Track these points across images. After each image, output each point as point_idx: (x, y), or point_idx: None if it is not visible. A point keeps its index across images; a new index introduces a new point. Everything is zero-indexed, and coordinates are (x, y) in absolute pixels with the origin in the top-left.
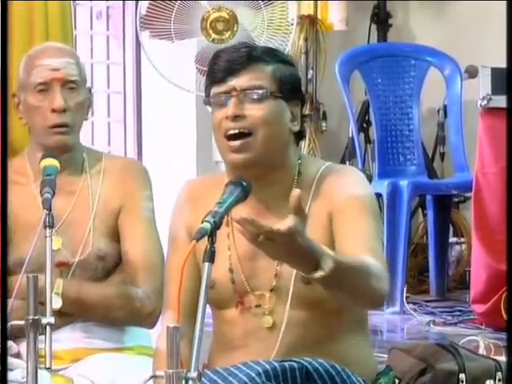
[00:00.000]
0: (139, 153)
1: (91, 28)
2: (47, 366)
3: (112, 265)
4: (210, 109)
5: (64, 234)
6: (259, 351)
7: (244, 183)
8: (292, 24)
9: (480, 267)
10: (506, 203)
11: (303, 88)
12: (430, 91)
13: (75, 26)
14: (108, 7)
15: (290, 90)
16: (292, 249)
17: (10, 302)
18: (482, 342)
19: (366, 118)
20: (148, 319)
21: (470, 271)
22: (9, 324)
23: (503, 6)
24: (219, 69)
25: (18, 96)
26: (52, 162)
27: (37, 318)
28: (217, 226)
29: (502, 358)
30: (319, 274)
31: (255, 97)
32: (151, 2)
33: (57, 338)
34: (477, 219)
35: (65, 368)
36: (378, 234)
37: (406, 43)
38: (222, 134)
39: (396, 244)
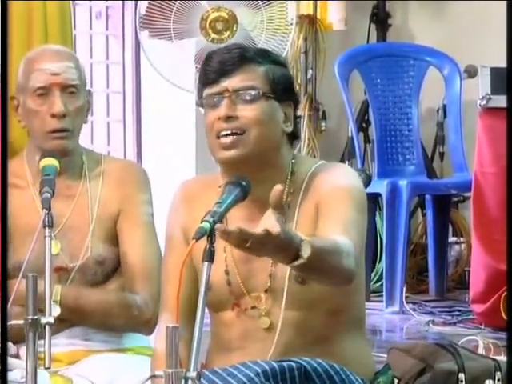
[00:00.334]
0: (138, 152)
1: (91, 28)
2: (46, 365)
3: (111, 269)
4: (202, 110)
5: (63, 238)
6: (257, 352)
7: (243, 183)
8: (291, 24)
9: (479, 267)
10: (505, 203)
11: (302, 88)
12: (429, 91)
13: (75, 26)
14: (107, 7)
15: (283, 90)
16: (274, 244)
17: (9, 305)
18: (482, 342)
19: (366, 117)
20: (146, 326)
21: (469, 271)
22: (9, 323)
23: (502, 6)
24: (211, 70)
25: (17, 99)
26: (51, 161)
27: (36, 317)
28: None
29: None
30: (299, 262)
31: (247, 97)
32: (150, 1)
33: (55, 342)
34: (476, 219)
35: (63, 369)
36: (356, 222)
37: (405, 43)
38: (214, 135)
39: (395, 244)
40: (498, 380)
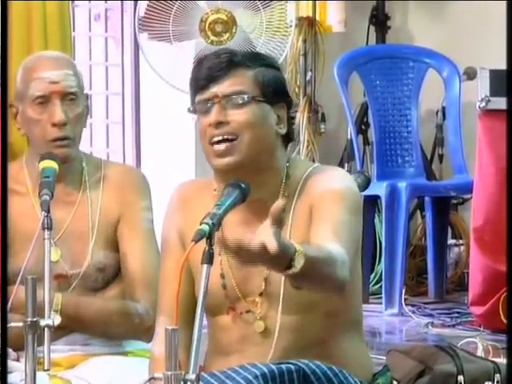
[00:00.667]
0: (137, 154)
1: (90, 30)
2: (46, 367)
3: (111, 275)
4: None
5: (63, 245)
6: (255, 356)
7: (242, 185)
8: (290, 26)
9: (478, 269)
10: (506, 203)
11: (302, 90)
12: (428, 93)
13: (74, 28)
14: (106, 9)
15: (274, 93)
16: (269, 256)
17: (9, 307)
18: (481, 344)
19: (365, 119)
20: (147, 334)
21: (468, 273)
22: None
23: (501, 7)
24: (201, 76)
25: (16, 107)
26: (50, 164)
27: (35, 319)
28: (215, 227)
29: (501, 360)
30: (292, 271)
31: (237, 102)
32: (149, 3)
33: (54, 348)
34: (475, 221)
35: (63, 373)
36: (349, 225)
37: (404, 45)
38: (207, 142)
39: (394, 246)
40: (497, 382)
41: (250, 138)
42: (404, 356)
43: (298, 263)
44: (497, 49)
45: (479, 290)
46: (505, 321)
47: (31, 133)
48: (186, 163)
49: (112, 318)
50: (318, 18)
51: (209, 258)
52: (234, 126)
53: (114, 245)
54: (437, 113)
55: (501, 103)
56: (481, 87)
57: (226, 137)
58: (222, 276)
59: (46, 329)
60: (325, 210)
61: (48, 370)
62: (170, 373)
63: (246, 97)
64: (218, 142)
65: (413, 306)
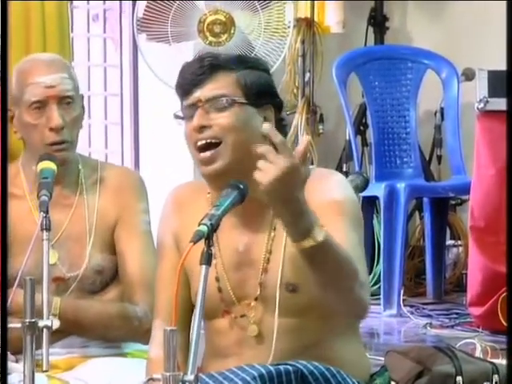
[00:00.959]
0: (136, 155)
1: (88, 30)
2: (44, 368)
3: (109, 278)
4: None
5: (60, 248)
6: (251, 359)
7: (241, 186)
8: (289, 27)
9: (476, 269)
10: (506, 204)
11: (300, 91)
12: (426, 94)
13: (72, 29)
14: (105, 10)
15: (259, 95)
16: (292, 196)
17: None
18: (479, 345)
19: (363, 120)
20: (145, 336)
21: (466, 274)
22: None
23: (500, 8)
24: (185, 82)
25: (12, 111)
26: (48, 164)
27: (34, 320)
28: (214, 228)
29: (499, 361)
30: (309, 242)
31: (219, 106)
32: (148, 4)
33: (53, 351)
34: (473, 221)
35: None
36: (359, 240)
37: (402, 46)
38: (193, 147)
39: (393, 246)
40: (496, 383)
41: (233, 141)
42: (402, 357)
43: (317, 236)
44: (495, 50)
45: (478, 290)
46: (503, 321)
47: (28, 137)
48: (184, 164)
49: (111, 322)
50: (316, 18)
51: (207, 259)
52: (217, 129)
53: (111, 247)
54: (435, 114)
55: (499, 104)
56: (479, 88)
57: (209, 141)
58: (217, 279)
59: (44, 330)
60: (330, 228)
61: (47, 371)
62: (168, 374)
63: (227, 100)
64: (204, 148)
65: (411, 306)
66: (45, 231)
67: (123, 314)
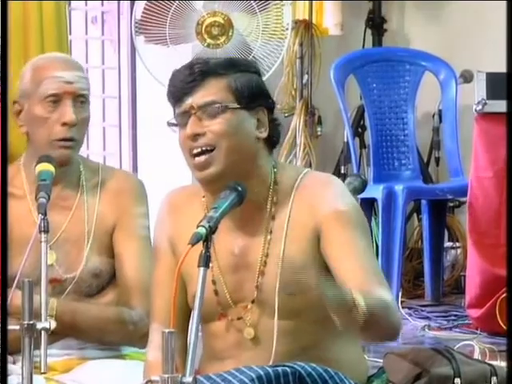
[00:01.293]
0: (134, 157)
1: (86, 33)
2: (42, 370)
3: (106, 281)
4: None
5: (58, 249)
6: (248, 361)
7: (239, 188)
8: (287, 29)
9: (475, 272)
10: (506, 205)
11: (298, 93)
12: (425, 96)
13: (70, 31)
14: (103, 12)
15: (250, 97)
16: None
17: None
18: (478, 347)
19: (361, 122)
20: (141, 341)
21: (465, 276)
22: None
23: (498, 10)
24: (176, 90)
25: (21, 104)
26: (47, 166)
27: (32, 322)
28: (212, 230)
29: (498, 363)
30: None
31: (211, 112)
32: (146, 6)
33: (50, 352)
34: (472, 223)
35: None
36: (371, 249)
37: (401, 48)
38: (187, 154)
39: (391, 249)
40: None
41: (227, 146)
42: (401, 359)
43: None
44: (493, 52)
45: (476, 292)
46: (502, 323)
47: (35, 131)
48: (182, 166)
49: (107, 326)
50: (314, 20)
51: (205, 261)
52: (210, 136)
53: (109, 251)
54: (433, 116)
55: (497, 106)
56: (477, 90)
57: (204, 148)
58: (214, 282)
59: (42, 332)
60: (340, 239)
61: (45, 373)
62: (166, 376)
63: (219, 106)
64: (198, 154)
65: (409, 308)
66: (43, 233)
67: (119, 319)
